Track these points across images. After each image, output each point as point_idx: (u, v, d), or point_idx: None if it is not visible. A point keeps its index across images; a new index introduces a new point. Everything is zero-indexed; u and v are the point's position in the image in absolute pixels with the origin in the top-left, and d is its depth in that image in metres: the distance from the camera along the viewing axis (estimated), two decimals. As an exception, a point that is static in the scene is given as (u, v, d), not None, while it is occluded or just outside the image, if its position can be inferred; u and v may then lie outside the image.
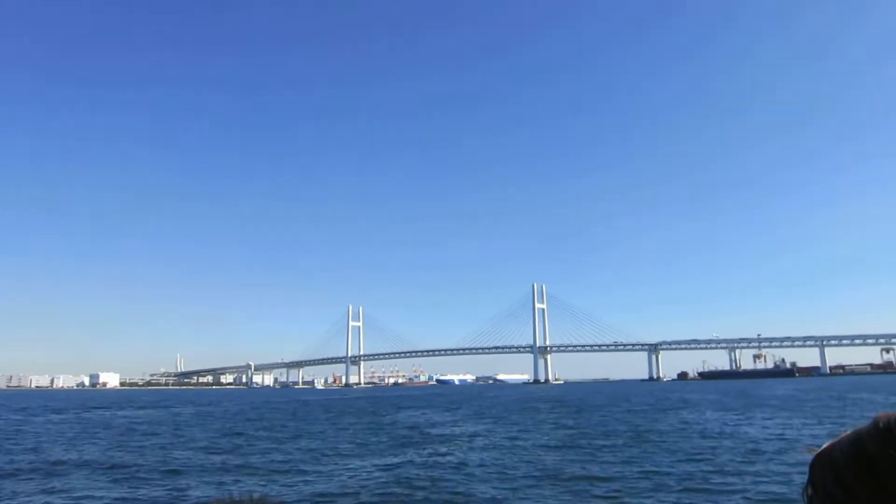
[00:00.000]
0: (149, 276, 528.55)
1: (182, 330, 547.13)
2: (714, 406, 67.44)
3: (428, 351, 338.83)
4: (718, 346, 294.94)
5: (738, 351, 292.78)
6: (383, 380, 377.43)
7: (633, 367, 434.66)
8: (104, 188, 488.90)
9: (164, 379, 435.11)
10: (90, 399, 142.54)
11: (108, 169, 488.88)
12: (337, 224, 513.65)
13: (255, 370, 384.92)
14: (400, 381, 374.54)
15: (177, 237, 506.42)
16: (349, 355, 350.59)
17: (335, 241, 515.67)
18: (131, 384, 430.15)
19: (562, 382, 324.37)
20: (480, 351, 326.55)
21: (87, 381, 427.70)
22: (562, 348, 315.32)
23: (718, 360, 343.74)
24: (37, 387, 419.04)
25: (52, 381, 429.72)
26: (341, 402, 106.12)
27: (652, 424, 44.53)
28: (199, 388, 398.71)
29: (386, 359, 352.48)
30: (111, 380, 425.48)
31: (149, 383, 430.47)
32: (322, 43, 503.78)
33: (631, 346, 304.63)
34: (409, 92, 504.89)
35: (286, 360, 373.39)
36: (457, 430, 43.17)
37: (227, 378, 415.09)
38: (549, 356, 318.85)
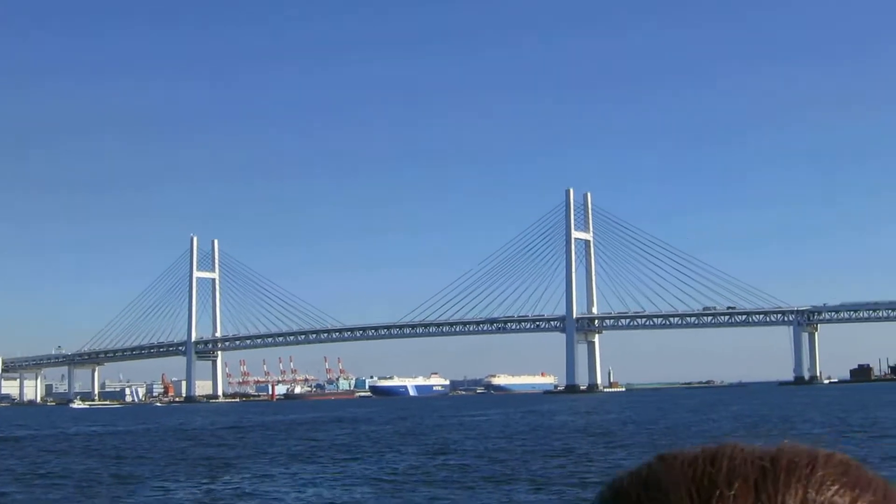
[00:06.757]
0: None
1: None
2: None
3: (352, 329, 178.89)
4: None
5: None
6: (266, 388, 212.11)
7: (761, 359, 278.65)
8: None
9: None
10: None
11: None
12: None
13: (2, 370, 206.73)
14: (299, 389, 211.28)
15: None
16: (193, 339, 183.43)
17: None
18: None
19: (622, 390, 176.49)
20: (456, 329, 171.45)
21: None
22: (623, 320, 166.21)
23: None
24: None
25: None
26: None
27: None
28: None
29: (270, 346, 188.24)
30: None
31: None
32: None
33: (762, 317, 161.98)
34: None
35: (66, 352, 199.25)
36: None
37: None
38: (596, 337, 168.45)
